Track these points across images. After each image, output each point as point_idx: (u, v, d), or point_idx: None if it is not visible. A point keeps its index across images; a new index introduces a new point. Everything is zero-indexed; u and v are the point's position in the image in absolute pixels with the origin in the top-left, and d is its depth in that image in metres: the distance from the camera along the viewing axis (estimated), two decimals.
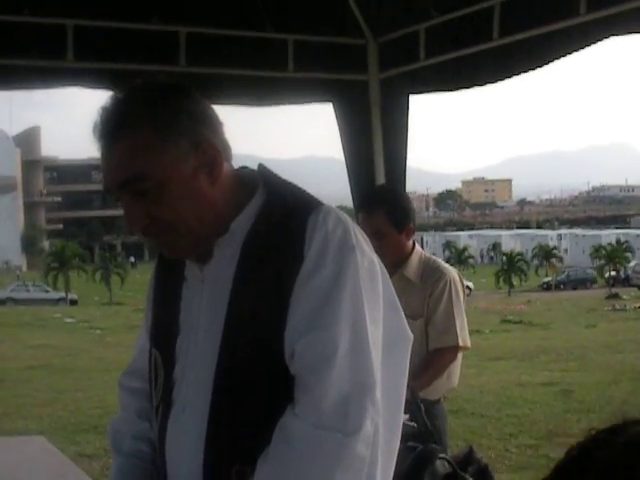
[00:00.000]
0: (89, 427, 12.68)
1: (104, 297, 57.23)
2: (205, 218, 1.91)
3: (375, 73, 5.43)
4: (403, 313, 2.01)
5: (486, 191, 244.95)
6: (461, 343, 4.37)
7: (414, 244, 4.49)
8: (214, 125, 1.94)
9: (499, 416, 13.24)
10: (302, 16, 5.19)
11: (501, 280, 65.51)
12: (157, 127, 1.86)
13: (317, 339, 1.81)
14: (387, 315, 1.92)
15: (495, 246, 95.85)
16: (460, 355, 4.49)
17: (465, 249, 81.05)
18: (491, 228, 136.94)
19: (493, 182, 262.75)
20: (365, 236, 1.97)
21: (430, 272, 4.40)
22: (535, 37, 4.32)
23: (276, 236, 1.89)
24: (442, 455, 2.27)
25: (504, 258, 71.18)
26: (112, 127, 1.86)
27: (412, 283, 4.34)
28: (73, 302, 55.17)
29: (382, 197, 4.45)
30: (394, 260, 4.26)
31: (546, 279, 70.41)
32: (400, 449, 1.98)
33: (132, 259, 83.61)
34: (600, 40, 4.07)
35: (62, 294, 57.07)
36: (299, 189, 2.01)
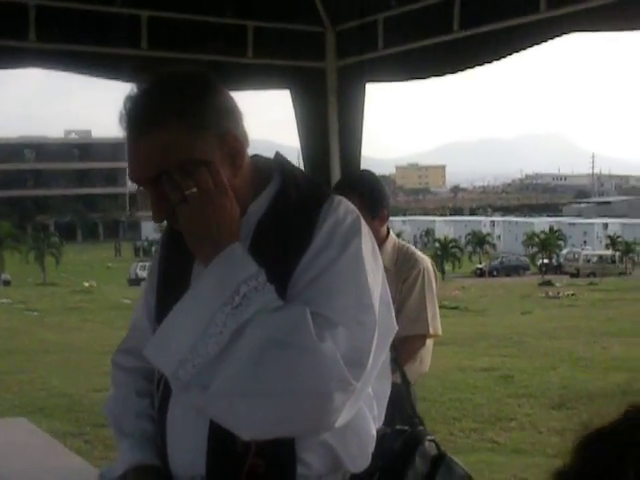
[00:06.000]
0: (35, 409, 12.58)
1: (37, 278, 56.50)
2: None
3: (333, 61, 5.47)
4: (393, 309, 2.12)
5: (420, 177, 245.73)
6: (432, 331, 4.42)
7: (388, 231, 4.50)
8: (236, 116, 2.00)
9: (442, 400, 13.44)
10: (262, 2, 5.23)
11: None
12: (185, 122, 1.90)
13: (318, 297, 1.89)
14: (380, 310, 2.00)
15: (428, 232, 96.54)
16: (431, 342, 4.54)
17: (399, 235, 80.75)
18: (424, 214, 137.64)
19: (427, 168, 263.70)
20: (370, 231, 2.11)
21: (404, 259, 4.43)
22: (495, 31, 4.41)
23: (290, 219, 1.99)
24: (430, 437, 2.37)
25: (437, 244, 71.87)
26: (140, 121, 1.91)
27: (386, 269, 4.38)
28: (6, 283, 54.40)
29: (356, 181, 4.40)
30: None
31: (479, 265, 71.33)
32: (389, 432, 2.06)
33: (56, 239, 75.33)
34: (557, 36, 4.17)
35: None
36: (312, 178, 2.13)
